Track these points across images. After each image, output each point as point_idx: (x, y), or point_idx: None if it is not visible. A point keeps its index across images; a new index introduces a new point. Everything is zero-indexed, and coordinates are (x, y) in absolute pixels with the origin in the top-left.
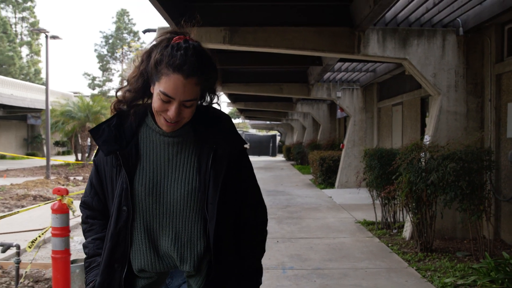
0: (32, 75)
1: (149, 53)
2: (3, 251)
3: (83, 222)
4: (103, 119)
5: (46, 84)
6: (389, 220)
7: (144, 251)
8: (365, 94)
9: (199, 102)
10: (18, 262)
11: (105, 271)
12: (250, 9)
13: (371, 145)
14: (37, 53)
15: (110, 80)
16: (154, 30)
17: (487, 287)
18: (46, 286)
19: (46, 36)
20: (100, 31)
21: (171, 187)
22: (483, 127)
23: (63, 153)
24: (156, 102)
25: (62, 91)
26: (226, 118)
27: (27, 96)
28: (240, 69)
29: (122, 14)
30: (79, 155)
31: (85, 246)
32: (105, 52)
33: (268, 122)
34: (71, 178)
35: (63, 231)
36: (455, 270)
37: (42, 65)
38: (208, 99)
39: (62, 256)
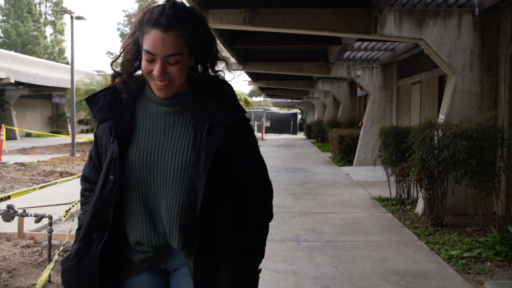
0: (56, 54)
1: (138, 18)
2: (37, 221)
3: (81, 195)
4: None
5: (71, 64)
6: (403, 196)
7: (140, 223)
8: (385, 72)
9: (198, 67)
10: (51, 232)
11: (83, 240)
12: None
13: (390, 123)
14: (61, 32)
15: None
16: None
17: (491, 259)
18: None
19: (71, 17)
20: (123, 10)
21: (165, 158)
22: (497, 106)
23: (87, 131)
24: (142, 64)
25: (86, 70)
26: (226, 86)
27: (52, 75)
28: (260, 48)
29: None
30: None
31: (78, 218)
32: (128, 31)
33: (289, 100)
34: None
35: None
36: (462, 243)
37: (65, 45)
38: (208, 64)
39: None
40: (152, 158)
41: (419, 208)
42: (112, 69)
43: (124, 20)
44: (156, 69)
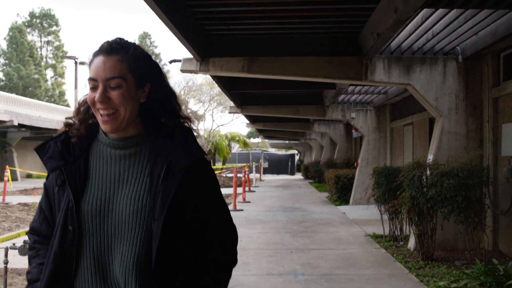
0: (57, 97)
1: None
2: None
3: (30, 248)
4: None
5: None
6: (396, 233)
7: (89, 278)
8: (378, 114)
9: (156, 112)
10: None
11: None
12: (266, 40)
13: (384, 164)
14: (61, 75)
15: None
16: (179, 61)
17: None
18: None
19: (75, 62)
20: None
21: (120, 205)
22: (482, 146)
23: None
24: (88, 96)
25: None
26: (185, 129)
27: (53, 117)
28: (258, 92)
29: (144, 37)
30: None
31: (28, 273)
32: None
33: (287, 142)
34: None
35: None
36: (450, 275)
37: (65, 87)
38: (166, 111)
39: None
40: (106, 206)
41: (411, 243)
42: (66, 117)
43: None
44: (97, 93)
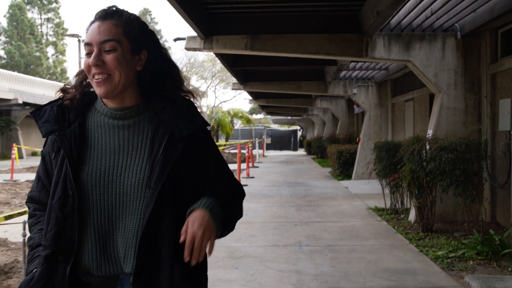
0: (58, 74)
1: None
2: None
3: (30, 216)
4: None
5: None
6: (397, 206)
7: (90, 249)
8: (380, 90)
9: (154, 81)
10: None
11: (47, 262)
12: (269, 18)
13: (386, 139)
14: (62, 53)
15: None
16: (183, 39)
17: (473, 259)
18: None
19: (79, 41)
20: None
21: (121, 176)
22: (481, 121)
23: None
24: (83, 62)
25: None
26: (186, 100)
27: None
28: (260, 69)
29: (145, 14)
30: None
31: (30, 238)
32: None
33: (289, 118)
34: None
35: None
36: (449, 246)
37: (66, 65)
38: (166, 82)
39: None
40: (106, 177)
41: (411, 216)
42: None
43: None
44: (92, 56)
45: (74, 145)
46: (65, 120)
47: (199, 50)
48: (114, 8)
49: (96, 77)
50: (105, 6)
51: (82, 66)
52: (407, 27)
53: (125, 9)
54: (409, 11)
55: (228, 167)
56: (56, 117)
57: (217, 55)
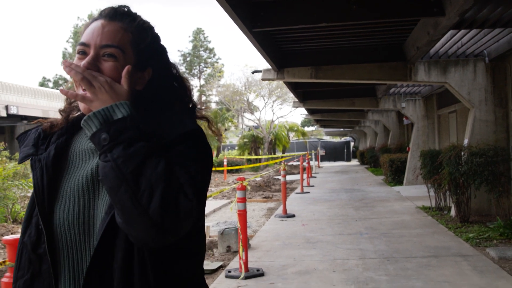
0: None
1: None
2: None
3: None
4: None
5: None
6: (440, 204)
7: None
8: (426, 103)
9: (153, 85)
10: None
11: None
12: (329, 52)
13: (433, 148)
14: None
15: None
16: (260, 71)
17: (497, 239)
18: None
19: None
20: (178, 50)
21: (101, 213)
22: (508, 131)
23: None
24: None
25: None
26: (194, 128)
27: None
28: (318, 89)
29: (198, 33)
30: None
31: None
32: (184, 70)
33: (341, 129)
34: None
35: (243, 200)
36: (479, 231)
37: None
38: (160, 92)
39: (243, 213)
40: (85, 214)
41: (452, 211)
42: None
43: (180, 60)
44: (86, 59)
45: (46, 173)
46: (44, 143)
47: (273, 80)
48: (125, 9)
49: (81, 74)
50: (114, 4)
51: None
52: (444, 54)
53: (139, 14)
54: (443, 44)
55: (200, 182)
56: (35, 139)
57: (286, 83)
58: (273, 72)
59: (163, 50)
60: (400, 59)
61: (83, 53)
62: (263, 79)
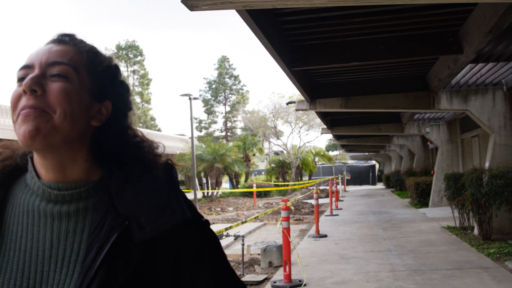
0: (148, 123)
1: None
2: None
3: None
4: (229, 160)
5: (191, 139)
6: (464, 224)
7: None
8: (450, 128)
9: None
10: (243, 245)
11: None
12: (357, 84)
13: (457, 170)
14: (148, 101)
15: (215, 122)
16: (294, 102)
17: None
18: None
19: (190, 99)
20: (204, 78)
21: None
22: None
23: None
24: (12, 95)
25: (175, 135)
26: (164, 169)
27: (174, 144)
28: (345, 117)
29: (223, 61)
30: (204, 192)
31: None
32: (209, 97)
33: (366, 153)
34: (212, 208)
35: (287, 219)
36: (500, 247)
37: (151, 112)
38: (119, 132)
39: (287, 230)
40: None
41: (475, 230)
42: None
43: (206, 87)
44: (27, 78)
45: None
46: None
47: (306, 110)
48: (77, 36)
49: (25, 111)
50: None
51: (194, 125)
52: (464, 84)
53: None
54: (463, 75)
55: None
56: None
57: (317, 113)
58: (306, 103)
59: (124, 83)
60: (423, 89)
61: (23, 79)
62: (297, 110)
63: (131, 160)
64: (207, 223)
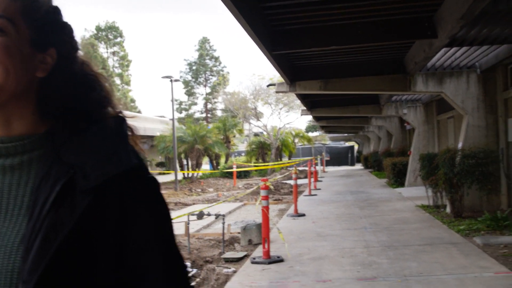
0: (129, 105)
1: None
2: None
3: None
4: (209, 142)
5: (172, 120)
6: (438, 203)
7: None
8: (426, 109)
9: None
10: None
11: None
12: (336, 67)
13: (433, 151)
14: (128, 83)
15: (195, 104)
16: (274, 84)
17: (484, 230)
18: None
19: (171, 81)
20: (184, 59)
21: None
22: (498, 135)
23: (163, 173)
24: None
25: (155, 117)
26: (114, 121)
27: (155, 126)
28: (325, 98)
29: (204, 42)
30: (185, 173)
31: None
32: (190, 78)
33: (345, 134)
34: (193, 189)
35: (266, 197)
36: (470, 224)
37: (131, 94)
38: (70, 79)
39: (266, 208)
40: None
41: (448, 208)
42: None
43: (186, 68)
44: None
45: None
46: None
47: (286, 92)
48: None
49: None
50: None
51: (175, 106)
52: (440, 67)
53: None
54: (439, 58)
55: (170, 248)
56: None
57: (297, 95)
58: (286, 85)
59: (67, 26)
60: (400, 72)
61: None
62: (277, 92)
63: (79, 110)
64: (154, 181)
